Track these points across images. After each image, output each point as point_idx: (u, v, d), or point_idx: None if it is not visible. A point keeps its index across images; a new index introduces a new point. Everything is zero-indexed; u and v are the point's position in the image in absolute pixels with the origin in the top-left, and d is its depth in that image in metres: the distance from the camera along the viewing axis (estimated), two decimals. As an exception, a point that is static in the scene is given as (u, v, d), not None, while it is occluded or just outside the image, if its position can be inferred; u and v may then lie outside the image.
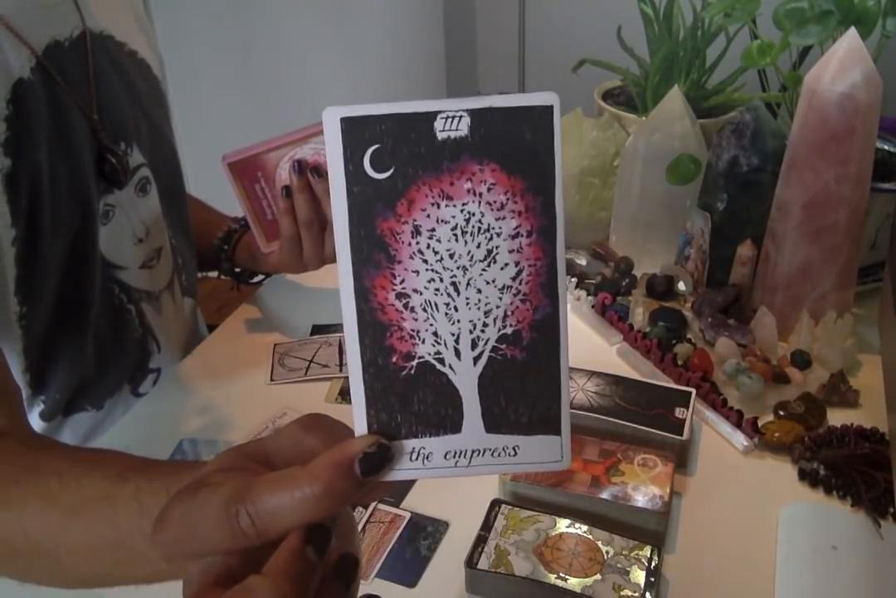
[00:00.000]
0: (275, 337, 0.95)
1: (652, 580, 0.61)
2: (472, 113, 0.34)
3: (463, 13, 2.12)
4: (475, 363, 0.37)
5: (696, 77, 1.03)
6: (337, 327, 0.96)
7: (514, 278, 0.36)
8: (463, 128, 0.34)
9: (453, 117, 0.34)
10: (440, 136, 0.34)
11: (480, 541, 0.64)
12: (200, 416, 0.83)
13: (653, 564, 0.62)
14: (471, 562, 0.62)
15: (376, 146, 0.34)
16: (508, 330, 0.36)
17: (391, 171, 0.35)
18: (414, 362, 0.36)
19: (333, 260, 0.87)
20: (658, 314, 0.93)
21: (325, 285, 1.01)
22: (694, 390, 0.79)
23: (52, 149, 0.71)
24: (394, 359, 0.36)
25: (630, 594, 0.60)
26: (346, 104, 0.35)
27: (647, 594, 0.60)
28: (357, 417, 0.37)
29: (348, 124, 0.34)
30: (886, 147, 0.94)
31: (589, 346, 0.93)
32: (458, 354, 0.36)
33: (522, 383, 0.37)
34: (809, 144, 0.81)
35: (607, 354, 0.91)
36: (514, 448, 0.37)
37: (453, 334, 0.36)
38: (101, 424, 0.84)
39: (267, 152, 0.80)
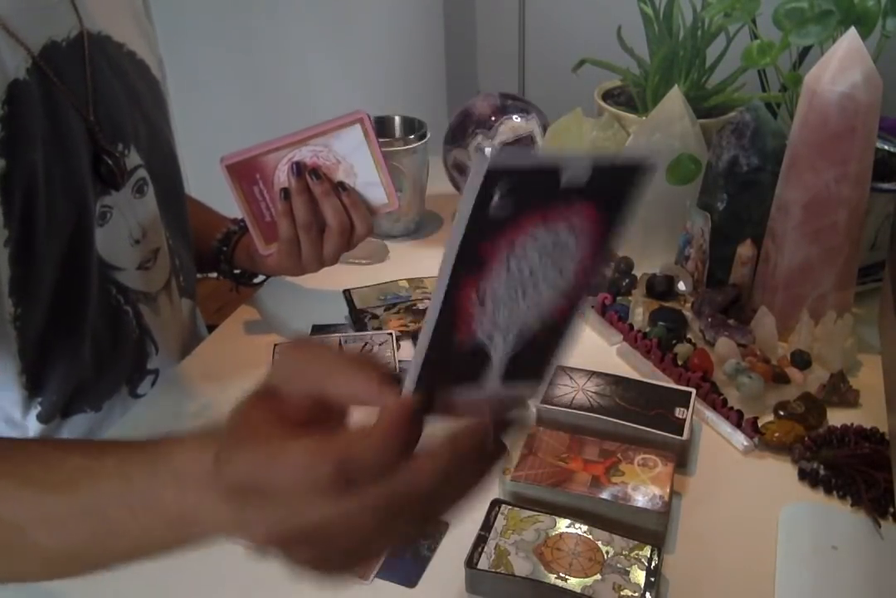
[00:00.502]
0: (274, 337, 0.95)
1: (652, 580, 0.61)
2: (596, 168, 0.37)
3: (463, 13, 2.12)
4: (513, 346, 0.43)
5: (696, 77, 1.03)
6: (337, 328, 0.96)
7: (569, 284, 0.41)
8: (583, 178, 0.37)
9: (580, 169, 0.37)
10: (563, 185, 0.37)
11: (480, 541, 0.64)
12: (200, 416, 0.83)
13: (653, 564, 0.62)
14: (471, 562, 0.62)
15: (507, 190, 0.37)
16: (549, 321, 0.42)
17: (512, 210, 0.37)
18: (473, 342, 0.42)
19: (332, 262, 0.87)
20: (658, 314, 0.93)
21: (324, 286, 1.01)
22: (694, 390, 0.79)
23: (48, 150, 0.71)
24: (459, 337, 0.41)
25: (630, 594, 0.60)
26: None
27: (647, 594, 0.60)
28: (410, 375, 0.42)
29: (492, 173, 0.36)
30: (886, 147, 0.94)
31: (589, 346, 0.93)
32: (505, 339, 0.42)
33: (537, 354, 0.43)
34: (809, 144, 0.81)
35: (607, 354, 0.91)
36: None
37: (510, 326, 0.41)
38: (99, 425, 0.84)
39: (265, 154, 0.79)
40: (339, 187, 0.82)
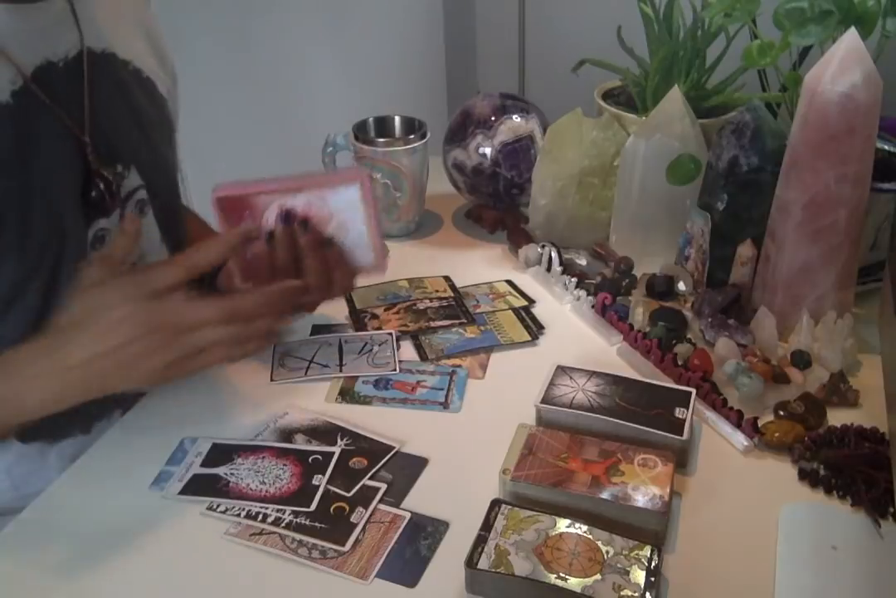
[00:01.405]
0: (275, 337, 0.95)
1: (652, 580, 0.61)
2: None
3: (463, 13, 2.11)
4: None
5: (696, 77, 1.03)
6: (337, 328, 0.96)
7: None
8: None
9: None
10: None
11: (480, 541, 0.64)
12: (201, 416, 0.83)
13: (653, 564, 0.62)
14: (471, 562, 0.62)
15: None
16: None
17: None
18: None
19: (308, 311, 0.84)
20: (658, 314, 0.93)
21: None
22: (694, 390, 0.79)
23: (30, 176, 0.70)
24: None
25: (630, 594, 0.60)
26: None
27: (647, 594, 0.60)
28: None
29: None
30: (886, 147, 0.94)
31: (589, 346, 0.93)
32: None
33: None
34: (809, 144, 0.81)
35: (607, 354, 0.91)
36: None
37: None
38: (90, 443, 0.81)
39: (258, 195, 0.75)
40: (327, 243, 0.77)
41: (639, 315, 0.94)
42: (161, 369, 0.66)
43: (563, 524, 0.66)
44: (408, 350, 0.92)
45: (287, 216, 0.76)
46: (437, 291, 1.02)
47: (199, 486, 0.74)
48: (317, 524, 0.70)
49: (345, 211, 0.75)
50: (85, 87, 0.75)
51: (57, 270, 0.75)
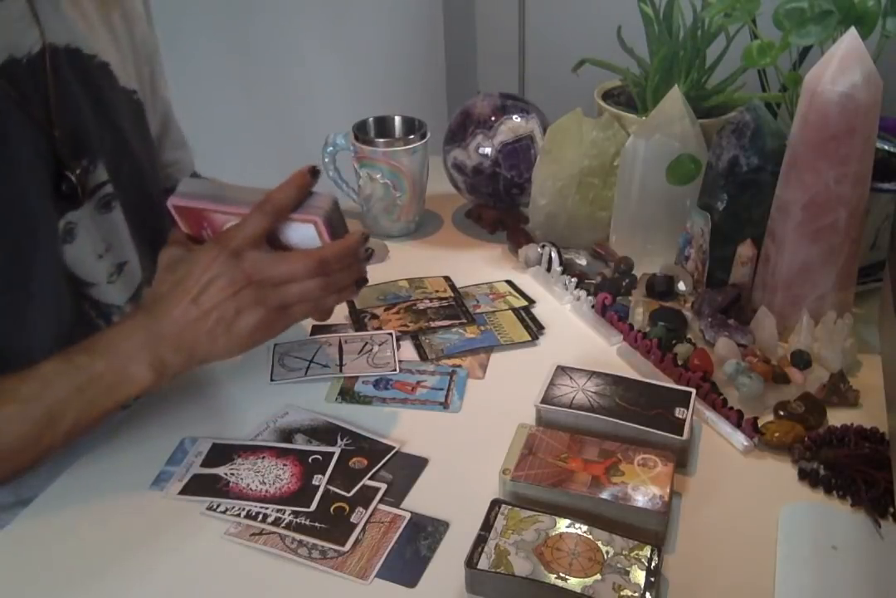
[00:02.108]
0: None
1: (652, 580, 0.61)
2: None
3: (463, 13, 2.11)
4: None
5: (696, 77, 1.03)
6: (337, 328, 0.96)
7: None
8: None
9: None
10: None
11: (480, 541, 0.64)
12: (200, 415, 0.83)
13: (653, 564, 0.62)
14: (471, 562, 0.62)
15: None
16: None
17: None
18: None
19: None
20: (658, 314, 0.93)
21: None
22: (694, 390, 0.79)
23: (3, 169, 0.71)
24: None
25: (630, 594, 0.60)
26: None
27: (647, 594, 0.60)
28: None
29: None
30: (886, 147, 0.94)
31: (589, 346, 0.93)
32: None
33: None
34: (809, 144, 0.81)
35: (607, 354, 0.91)
36: None
37: None
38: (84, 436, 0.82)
39: (214, 212, 0.74)
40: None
41: (639, 315, 0.94)
42: (252, 329, 0.69)
43: (563, 524, 0.66)
44: (408, 350, 0.92)
45: None
46: (437, 291, 1.02)
47: (199, 486, 0.74)
48: (317, 524, 0.70)
49: (303, 243, 0.74)
50: (49, 82, 0.75)
51: (31, 265, 0.74)
